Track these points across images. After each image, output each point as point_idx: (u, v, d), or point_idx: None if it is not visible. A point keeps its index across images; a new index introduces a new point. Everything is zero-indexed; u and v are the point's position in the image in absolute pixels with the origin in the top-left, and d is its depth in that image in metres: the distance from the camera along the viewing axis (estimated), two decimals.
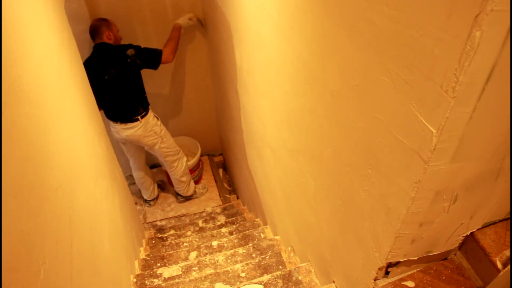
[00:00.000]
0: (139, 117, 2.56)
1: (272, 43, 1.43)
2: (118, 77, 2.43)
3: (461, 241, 0.95)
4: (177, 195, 3.18)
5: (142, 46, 2.83)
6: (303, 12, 1.08)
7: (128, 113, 2.55)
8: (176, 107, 3.52)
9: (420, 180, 0.71)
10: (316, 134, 1.21)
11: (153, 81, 3.16)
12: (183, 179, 3.04)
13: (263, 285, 1.58)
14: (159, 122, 2.73)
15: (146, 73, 2.71)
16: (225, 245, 2.36)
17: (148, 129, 2.61)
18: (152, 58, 2.49)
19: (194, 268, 2.01)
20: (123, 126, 2.58)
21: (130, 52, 2.41)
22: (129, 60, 2.41)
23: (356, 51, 0.83)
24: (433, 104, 0.63)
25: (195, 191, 3.19)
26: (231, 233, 2.62)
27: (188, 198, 3.20)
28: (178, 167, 2.95)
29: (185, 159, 3.04)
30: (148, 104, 2.67)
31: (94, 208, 1.45)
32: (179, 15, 2.92)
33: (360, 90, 0.85)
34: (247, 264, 1.87)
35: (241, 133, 2.58)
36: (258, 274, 1.79)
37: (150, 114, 2.66)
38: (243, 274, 1.80)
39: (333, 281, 1.37)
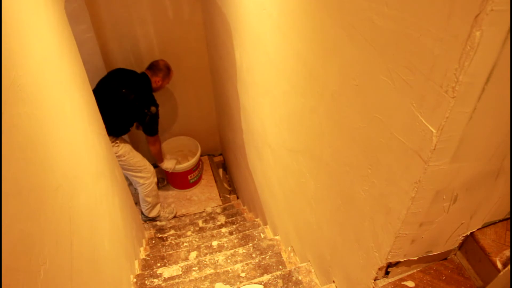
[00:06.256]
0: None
1: (272, 43, 1.43)
2: (124, 99, 2.55)
3: (461, 241, 0.95)
4: (141, 213, 3.23)
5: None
6: (303, 12, 1.08)
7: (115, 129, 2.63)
8: (176, 107, 3.52)
9: (420, 180, 0.71)
10: (316, 134, 1.21)
11: None
12: (148, 199, 3.10)
13: (263, 285, 1.58)
14: (119, 150, 2.73)
15: None
16: (225, 245, 2.36)
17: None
18: (148, 127, 2.73)
19: (194, 268, 2.01)
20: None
21: (152, 109, 2.62)
22: (146, 111, 2.60)
23: (356, 51, 0.83)
24: (433, 104, 0.63)
25: (159, 215, 3.25)
26: (231, 233, 2.62)
27: (151, 219, 3.25)
28: (145, 185, 3.00)
29: (154, 180, 3.06)
30: (117, 134, 2.70)
31: (94, 208, 1.45)
32: (179, 15, 2.93)
33: (360, 90, 0.85)
34: (247, 264, 1.87)
35: (241, 133, 2.58)
36: (258, 274, 1.79)
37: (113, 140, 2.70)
38: (243, 274, 1.80)
39: (333, 281, 1.37)
